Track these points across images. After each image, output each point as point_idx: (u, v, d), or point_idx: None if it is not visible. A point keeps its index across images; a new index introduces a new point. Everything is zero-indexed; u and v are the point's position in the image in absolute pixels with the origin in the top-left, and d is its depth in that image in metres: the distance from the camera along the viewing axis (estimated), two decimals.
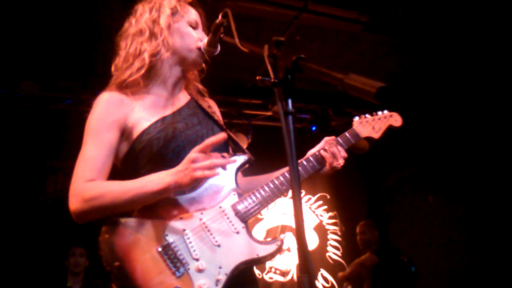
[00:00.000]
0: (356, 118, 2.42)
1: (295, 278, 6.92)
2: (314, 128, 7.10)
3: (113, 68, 2.10)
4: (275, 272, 6.88)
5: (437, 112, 6.52)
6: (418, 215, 7.05)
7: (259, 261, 1.90)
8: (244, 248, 1.86)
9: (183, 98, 2.18)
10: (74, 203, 1.80)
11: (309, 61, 1.27)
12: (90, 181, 1.84)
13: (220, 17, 1.87)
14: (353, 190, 7.74)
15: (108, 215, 1.81)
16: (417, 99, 6.35)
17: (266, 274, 6.82)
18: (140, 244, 1.77)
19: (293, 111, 1.30)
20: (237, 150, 2.16)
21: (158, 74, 2.09)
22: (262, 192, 1.98)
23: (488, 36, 5.45)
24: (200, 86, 2.28)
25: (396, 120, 2.47)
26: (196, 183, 1.78)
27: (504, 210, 5.82)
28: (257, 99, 6.83)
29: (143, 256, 1.75)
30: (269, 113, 6.82)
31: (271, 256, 1.89)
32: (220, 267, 1.80)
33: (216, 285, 1.77)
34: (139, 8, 2.15)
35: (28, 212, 5.71)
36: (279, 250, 1.91)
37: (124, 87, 2.02)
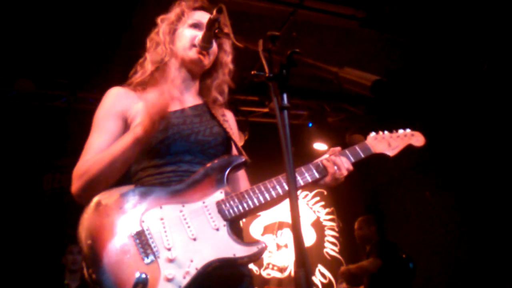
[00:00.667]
0: (372, 134, 2.31)
1: (292, 274, 6.92)
2: (311, 125, 7.11)
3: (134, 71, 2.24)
4: (272, 269, 6.89)
5: (434, 108, 6.53)
6: (415, 210, 7.07)
7: (235, 262, 1.83)
8: (221, 246, 1.81)
9: (192, 100, 2.21)
10: (73, 184, 1.92)
11: (304, 55, 1.27)
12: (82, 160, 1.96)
13: (214, 12, 1.87)
14: (350, 186, 7.71)
15: (105, 186, 1.88)
16: (413, 94, 6.36)
17: (263, 270, 6.83)
18: (115, 227, 1.77)
19: (288, 105, 1.29)
20: (236, 151, 2.16)
21: (167, 76, 2.14)
22: (251, 193, 1.95)
23: (484, 32, 5.46)
24: (219, 97, 2.28)
25: (417, 140, 2.35)
26: (156, 118, 1.84)
27: (502, 205, 5.84)
28: (253, 96, 6.83)
29: (116, 238, 1.75)
30: (266, 110, 6.83)
31: (249, 258, 1.84)
32: (191, 261, 1.76)
33: (184, 277, 1.73)
34: (159, 20, 2.28)
35: (25, 210, 5.71)
36: (259, 253, 1.84)
37: (135, 86, 2.15)
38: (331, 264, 7.14)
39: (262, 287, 6.39)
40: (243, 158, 2.03)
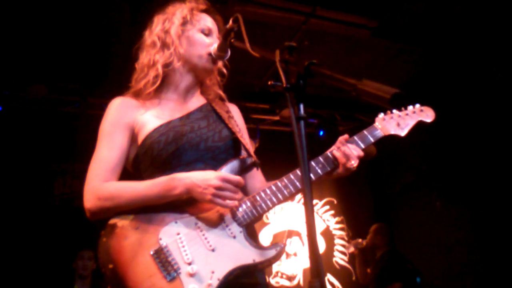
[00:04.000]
0: (381, 115, 2.20)
1: (301, 283, 6.90)
2: (321, 133, 7.10)
3: (132, 82, 2.17)
4: (281, 277, 6.86)
5: (445, 117, 6.49)
6: (425, 220, 7.02)
7: (256, 267, 1.83)
8: (240, 253, 1.81)
9: (196, 102, 2.18)
10: (90, 200, 1.89)
11: (322, 66, 1.28)
12: (105, 182, 1.92)
13: (230, 22, 1.87)
14: (360, 195, 7.71)
15: (118, 213, 1.89)
16: (425, 104, 6.33)
17: (272, 278, 6.81)
18: (134, 248, 1.79)
19: (305, 116, 1.30)
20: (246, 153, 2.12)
21: (171, 82, 2.14)
22: (263, 195, 1.92)
23: (497, 41, 5.43)
24: (220, 92, 2.28)
25: (428, 115, 2.24)
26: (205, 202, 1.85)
27: None
28: (264, 104, 6.84)
29: (136, 259, 1.77)
30: (277, 118, 6.83)
31: (269, 262, 1.83)
32: (213, 272, 1.77)
33: None
34: (154, 20, 2.21)
35: (35, 214, 5.73)
36: (278, 256, 1.84)
37: (138, 95, 2.11)
38: (340, 273, 7.10)
39: None
40: (252, 159, 1.99)
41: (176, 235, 1.82)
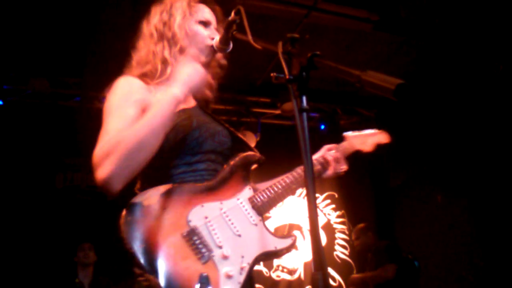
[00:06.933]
0: (350, 133, 2.52)
1: (302, 276, 6.91)
2: (323, 127, 7.09)
3: (133, 63, 2.13)
4: (282, 271, 6.88)
5: (446, 111, 6.49)
6: (426, 214, 7.03)
7: (276, 254, 1.94)
8: (263, 240, 1.89)
9: (191, 98, 2.16)
10: (97, 169, 1.66)
11: (325, 58, 1.27)
12: None
13: (232, 14, 1.86)
14: (361, 189, 7.71)
15: (139, 165, 1.71)
16: (426, 98, 6.32)
17: (273, 272, 6.82)
18: (163, 228, 1.71)
19: (307, 108, 1.29)
20: (248, 149, 2.16)
21: (172, 73, 2.05)
22: (275, 189, 2.04)
23: (499, 35, 5.42)
24: (209, 93, 2.25)
25: (383, 137, 2.59)
26: (193, 87, 1.87)
27: None
28: (265, 97, 6.83)
29: (167, 240, 1.70)
30: (278, 111, 6.82)
31: (287, 250, 1.95)
32: (242, 256, 1.81)
33: (241, 273, 1.77)
34: (152, 10, 2.18)
35: (37, 208, 5.74)
36: (293, 245, 1.97)
37: (142, 77, 2.03)
38: (341, 267, 7.11)
39: None
40: (259, 155, 2.10)
41: (205, 219, 1.81)
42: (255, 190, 2.01)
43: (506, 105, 5.89)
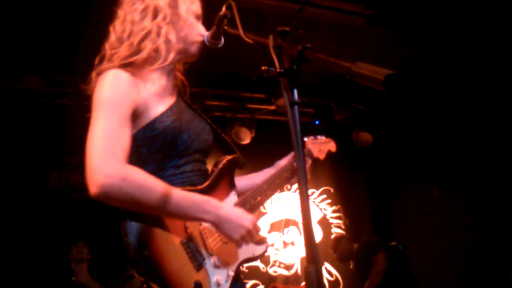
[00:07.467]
0: (309, 139, 2.64)
1: (299, 271, 6.92)
2: (317, 122, 7.09)
3: (107, 45, 1.95)
4: (279, 266, 6.89)
5: (441, 105, 6.50)
6: (422, 207, 7.05)
7: (253, 259, 2.01)
8: (244, 247, 1.90)
9: (174, 88, 2.07)
10: (111, 176, 1.56)
11: (315, 50, 1.27)
12: (128, 165, 1.66)
13: (224, 9, 1.85)
14: (357, 184, 7.72)
15: (130, 208, 1.66)
16: (421, 91, 6.33)
17: (270, 267, 6.83)
18: (165, 235, 1.72)
19: (298, 101, 1.29)
20: (228, 150, 2.17)
21: (158, 59, 1.90)
22: (260, 190, 2.11)
23: (492, 29, 5.42)
24: (183, 79, 2.14)
25: (332, 146, 2.68)
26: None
27: (510, 201, 5.81)
28: (260, 93, 6.82)
29: (168, 246, 1.71)
30: (273, 107, 6.81)
31: (262, 255, 2.03)
32: (228, 264, 1.85)
33: (227, 280, 1.82)
34: None
35: (32, 207, 5.72)
36: (266, 251, 2.06)
37: (125, 66, 1.84)
38: (338, 262, 7.11)
39: (269, 285, 6.38)
40: (241, 158, 2.13)
41: (199, 226, 1.83)
42: (239, 195, 2.05)
43: (501, 99, 5.91)
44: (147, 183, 1.63)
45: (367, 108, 7.20)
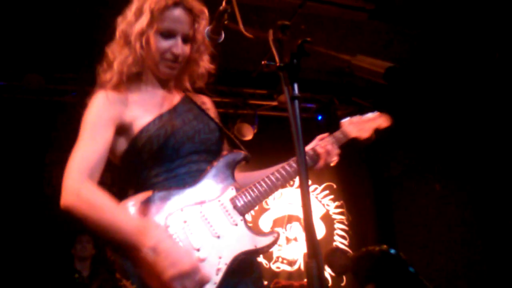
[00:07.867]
0: (347, 118, 2.41)
1: (302, 267, 6.93)
2: (320, 118, 7.08)
3: (107, 75, 2.06)
4: (282, 262, 6.89)
5: (444, 100, 6.48)
6: (425, 203, 7.04)
7: (257, 252, 1.97)
8: (243, 240, 1.91)
9: (177, 94, 2.17)
10: (68, 196, 1.79)
11: (315, 44, 1.26)
12: (88, 178, 1.82)
13: (224, 3, 1.85)
14: (359, 179, 7.71)
15: (89, 228, 1.79)
16: (423, 86, 6.32)
17: (273, 263, 6.84)
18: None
19: (299, 95, 1.28)
20: (234, 146, 2.18)
21: (149, 72, 2.09)
22: (259, 187, 2.03)
23: (495, 22, 5.40)
24: (187, 84, 2.19)
25: (384, 121, 2.48)
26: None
27: None
28: (262, 89, 6.81)
29: None
30: (275, 103, 6.80)
31: (268, 247, 1.96)
32: (220, 257, 1.84)
33: (217, 274, 1.81)
34: (127, 10, 2.08)
35: (34, 204, 5.73)
36: (275, 242, 1.97)
37: (117, 85, 2.01)
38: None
39: (272, 281, 6.39)
40: (245, 153, 2.10)
41: (184, 222, 1.86)
42: (238, 189, 2.01)
43: (504, 93, 5.89)
44: (97, 203, 1.77)
45: (370, 104, 7.19)
